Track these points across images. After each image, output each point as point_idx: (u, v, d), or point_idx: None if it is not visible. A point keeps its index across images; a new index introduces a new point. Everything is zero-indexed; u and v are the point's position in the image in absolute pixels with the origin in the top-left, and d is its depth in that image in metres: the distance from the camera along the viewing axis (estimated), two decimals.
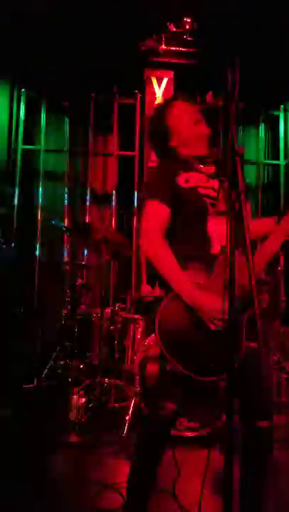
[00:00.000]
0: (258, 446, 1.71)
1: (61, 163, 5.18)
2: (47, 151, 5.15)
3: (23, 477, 2.42)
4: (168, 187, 1.75)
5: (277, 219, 1.72)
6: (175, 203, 1.74)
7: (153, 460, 1.76)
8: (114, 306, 3.62)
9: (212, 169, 1.84)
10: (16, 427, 3.18)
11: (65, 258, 4.86)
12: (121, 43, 4.86)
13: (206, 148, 1.85)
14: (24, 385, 3.87)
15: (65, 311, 4.08)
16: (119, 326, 3.60)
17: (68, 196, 5.12)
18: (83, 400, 3.18)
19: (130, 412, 3.05)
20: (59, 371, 3.95)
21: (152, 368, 1.75)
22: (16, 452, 2.74)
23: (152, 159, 5.14)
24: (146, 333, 3.52)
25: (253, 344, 1.58)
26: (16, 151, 5.06)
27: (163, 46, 4.96)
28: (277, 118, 5.57)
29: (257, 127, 5.53)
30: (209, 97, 1.54)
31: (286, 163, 5.46)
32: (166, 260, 1.67)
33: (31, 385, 3.92)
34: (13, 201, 5.00)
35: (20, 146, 5.09)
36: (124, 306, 3.98)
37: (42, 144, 5.12)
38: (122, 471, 2.53)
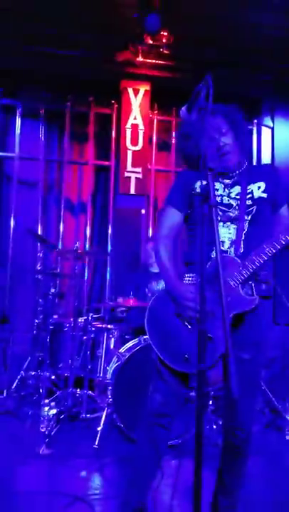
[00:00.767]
0: (236, 452, 1.82)
1: (36, 170, 5.14)
2: (21, 158, 5.11)
3: None
4: (184, 194, 1.88)
5: None
6: (190, 207, 1.88)
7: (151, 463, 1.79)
8: (88, 316, 3.59)
9: (234, 179, 1.87)
10: None
11: (38, 266, 4.81)
12: (98, 52, 4.91)
13: (225, 159, 1.84)
14: None
15: (37, 321, 4.03)
16: (92, 335, 3.58)
17: (42, 204, 5.08)
18: (54, 411, 3.14)
19: (102, 423, 3.03)
20: (30, 382, 3.89)
21: None
22: None
23: (128, 170, 5.18)
24: (121, 342, 3.52)
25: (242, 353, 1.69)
26: None
27: (140, 58, 5.02)
28: (251, 132, 5.71)
29: None
30: (182, 112, 1.56)
31: None
32: (160, 257, 1.86)
33: (1, 396, 3.85)
34: None
35: None
36: (98, 315, 3.97)
37: (16, 151, 5.07)
38: (93, 482, 2.51)
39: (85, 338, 3.53)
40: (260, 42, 4.77)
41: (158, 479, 1.84)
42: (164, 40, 4.80)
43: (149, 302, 1.88)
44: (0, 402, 3.74)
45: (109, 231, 5.22)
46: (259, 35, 4.68)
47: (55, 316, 4.01)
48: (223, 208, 1.79)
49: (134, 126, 5.24)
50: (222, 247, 1.74)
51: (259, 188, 1.80)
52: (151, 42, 4.82)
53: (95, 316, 3.82)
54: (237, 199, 1.79)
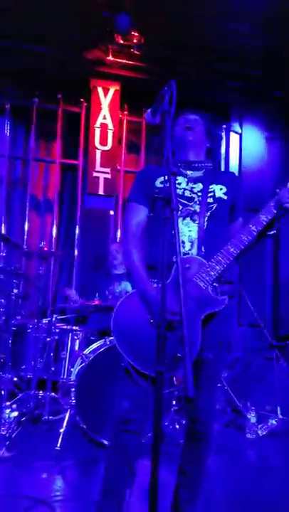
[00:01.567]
0: (198, 439, 1.82)
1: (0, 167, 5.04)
2: None
3: None
4: (146, 188, 1.85)
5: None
6: (152, 202, 1.85)
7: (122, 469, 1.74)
8: (52, 317, 3.55)
9: (199, 174, 1.89)
10: None
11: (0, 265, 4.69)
12: (68, 49, 4.86)
13: (196, 154, 1.91)
14: None
15: None
16: (56, 337, 3.54)
17: (6, 202, 4.97)
18: (16, 413, 3.08)
19: (65, 425, 2.99)
20: None
21: None
22: None
23: (96, 170, 5.15)
24: (85, 344, 3.49)
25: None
26: None
27: (110, 57, 5.01)
28: (220, 137, 5.79)
29: None
30: (147, 115, 1.57)
31: None
32: (132, 258, 1.80)
33: None
34: None
35: None
36: (62, 317, 3.93)
37: None
38: (54, 485, 2.48)
39: (48, 339, 3.48)
40: (230, 48, 4.85)
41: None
42: (134, 41, 4.81)
43: (116, 305, 1.80)
44: None
45: (77, 231, 5.17)
46: (229, 41, 4.76)
47: (18, 317, 3.94)
48: (184, 202, 1.79)
49: (104, 126, 5.22)
50: (183, 248, 1.74)
51: (221, 189, 1.84)
52: (121, 42, 4.81)
53: (59, 317, 3.77)
54: (199, 195, 1.81)
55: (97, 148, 5.17)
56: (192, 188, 1.83)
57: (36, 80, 5.03)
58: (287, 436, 3.40)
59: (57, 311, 4.24)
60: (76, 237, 5.15)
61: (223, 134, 5.74)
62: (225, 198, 1.83)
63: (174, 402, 3.33)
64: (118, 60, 5.02)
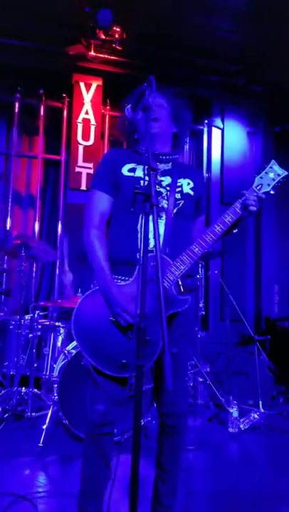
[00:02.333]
0: (172, 431, 1.81)
1: None
2: None
3: None
4: (110, 175, 1.75)
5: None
6: (116, 191, 1.75)
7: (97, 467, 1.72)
8: (35, 314, 3.53)
9: (167, 167, 1.82)
10: None
11: None
12: (49, 44, 4.81)
13: (162, 145, 1.82)
14: None
15: None
16: (38, 333, 3.52)
17: None
18: None
19: (47, 421, 2.99)
20: None
21: None
22: None
23: (79, 165, 5.12)
24: (68, 340, 3.48)
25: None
26: None
27: (92, 52, 4.98)
28: (202, 132, 5.82)
29: None
30: (127, 110, 1.57)
31: (208, 177, 5.69)
32: (95, 253, 1.69)
33: None
34: None
35: None
36: (45, 313, 3.91)
37: None
38: (37, 481, 2.47)
39: (31, 335, 3.46)
40: (212, 43, 4.88)
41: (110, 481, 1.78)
42: (116, 36, 4.80)
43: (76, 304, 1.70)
44: None
45: (59, 226, 5.14)
46: (211, 36, 4.79)
47: (1, 314, 3.91)
48: None
49: (86, 121, 5.19)
50: (148, 246, 1.63)
51: (188, 184, 1.81)
52: (103, 37, 4.79)
53: (41, 313, 3.75)
54: (167, 189, 1.75)
55: (79, 144, 5.14)
56: (160, 181, 1.77)
57: (18, 75, 4.98)
58: (269, 430, 3.45)
59: (39, 307, 4.22)
60: (58, 232, 5.12)
61: (205, 129, 5.76)
62: (192, 193, 1.80)
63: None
64: (100, 55, 5.00)
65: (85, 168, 5.13)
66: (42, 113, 5.13)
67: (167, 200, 1.73)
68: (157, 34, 4.72)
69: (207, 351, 4.37)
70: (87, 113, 5.19)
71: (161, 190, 1.75)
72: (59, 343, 3.50)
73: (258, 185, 1.75)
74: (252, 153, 5.92)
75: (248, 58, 5.12)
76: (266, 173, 1.75)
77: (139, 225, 1.68)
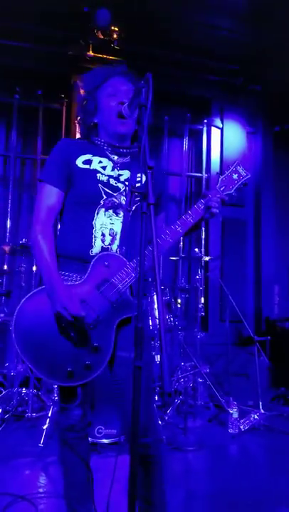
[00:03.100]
0: (154, 473, 1.62)
1: None
2: None
3: None
4: (62, 167, 1.64)
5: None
6: (68, 184, 1.65)
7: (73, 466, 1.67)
8: None
9: (126, 160, 1.73)
10: None
11: None
12: (48, 45, 4.81)
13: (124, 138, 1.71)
14: None
15: None
16: None
17: None
18: None
19: (48, 422, 2.99)
20: None
21: None
22: None
23: None
24: None
25: (124, 354, 1.54)
26: None
27: (90, 53, 4.98)
28: (201, 132, 5.82)
29: (181, 140, 5.73)
30: (124, 108, 1.56)
31: (207, 177, 5.68)
32: (41, 249, 1.59)
33: None
34: None
35: None
36: None
37: None
38: (37, 481, 2.47)
39: None
40: (210, 43, 4.87)
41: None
42: (114, 36, 4.79)
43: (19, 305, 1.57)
44: None
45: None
46: (210, 36, 4.78)
47: (1, 315, 3.91)
48: (109, 191, 1.62)
49: None
50: (102, 243, 1.59)
51: None
52: (102, 37, 4.79)
53: None
54: (126, 185, 1.65)
55: None
56: (119, 175, 1.67)
57: (16, 76, 4.98)
58: (269, 431, 3.44)
59: None
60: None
61: (204, 128, 5.76)
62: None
63: (156, 398, 3.34)
64: (98, 55, 4.99)
65: None
66: (41, 114, 5.12)
67: (126, 196, 1.63)
68: (156, 34, 4.72)
69: (207, 352, 4.37)
70: None
71: (119, 185, 1.65)
72: None
73: (222, 187, 1.71)
74: (251, 152, 5.91)
75: (247, 58, 5.11)
76: (230, 173, 1.70)
77: (94, 221, 1.60)
